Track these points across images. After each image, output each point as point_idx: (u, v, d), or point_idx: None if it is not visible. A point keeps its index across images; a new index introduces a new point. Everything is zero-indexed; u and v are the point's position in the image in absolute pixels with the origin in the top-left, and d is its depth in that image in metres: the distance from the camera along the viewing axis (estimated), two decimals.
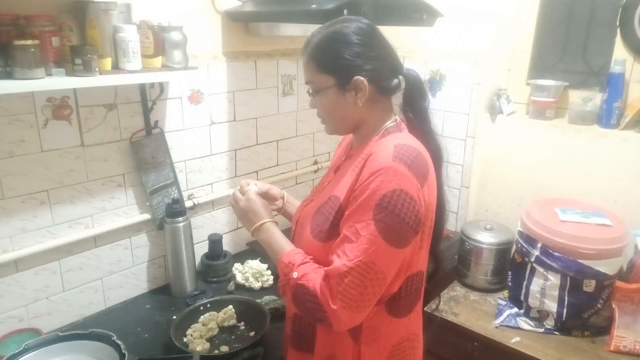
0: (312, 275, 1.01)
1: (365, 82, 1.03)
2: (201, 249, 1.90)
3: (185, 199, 1.81)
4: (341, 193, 1.06)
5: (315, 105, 1.12)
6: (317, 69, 1.06)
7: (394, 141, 1.02)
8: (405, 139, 1.04)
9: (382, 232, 0.95)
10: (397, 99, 1.12)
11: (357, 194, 0.99)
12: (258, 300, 1.62)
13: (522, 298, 1.75)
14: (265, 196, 1.29)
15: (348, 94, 1.05)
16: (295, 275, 1.02)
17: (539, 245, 1.67)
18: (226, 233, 1.99)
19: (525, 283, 1.73)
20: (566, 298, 1.63)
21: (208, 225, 1.95)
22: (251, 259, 1.90)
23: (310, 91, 1.11)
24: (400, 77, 1.09)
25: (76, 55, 1.25)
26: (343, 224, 1.01)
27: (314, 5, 1.50)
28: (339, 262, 0.97)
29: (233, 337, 1.52)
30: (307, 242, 1.09)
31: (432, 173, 1.04)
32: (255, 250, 2.01)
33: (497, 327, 1.71)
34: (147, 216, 1.71)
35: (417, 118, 1.11)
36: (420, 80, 1.12)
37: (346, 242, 0.98)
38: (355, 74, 1.03)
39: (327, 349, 1.12)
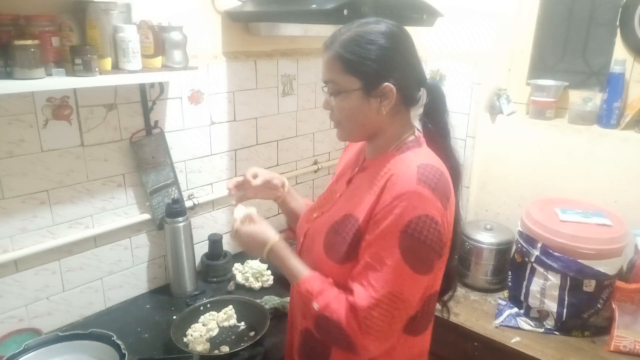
0: (335, 306, 0.97)
1: (394, 89, 0.98)
2: (201, 249, 1.90)
3: (185, 199, 1.81)
4: (359, 213, 1.01)
5: (331, 106, 1.05)
6: (343, 69, 0.99)
7: (415, 160, 0.98)
8: (426, 157, 1.01)
9: (408, 260, 0.92)
10: (415, 110, 1.09)
11: (379, 218, 0.95)
12: (258, 300, 1.62)
13: (522, 298, 1.75)
14: (267, 185, 1.28)
15: (373, 100, 1.00)
16: (316, 306, 0.98)
17: (539, 245, 1.67)
18: (226, 233, 1.99)
19: (525, 283, 1.73)
20: (566, 298, 1.63)
21: (208, 225, 1.95)
22: (251, 259, 1.90)
23: (330, 91, 1.03)
24: (423, 88, 1.05)
25: (76, 55, 1.25)
26: (365, 250, 0.97)
27: (314, 5, 1.50)
28: (365, 293, 0.93)
29: (233, 337, 1.52)
30: (319, 260, 1.05)
31: (453, 192, 1.01)
32: None
33: (497, 327, 1.71)
34: (147, 216, 1.71)
35: (438, 132, 1.07)
36: (444, 93, 1.09)
37: (370, 271, 0.94)
38: (385, 80, 0.98)
39: None
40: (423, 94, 1.05)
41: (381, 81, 0.98)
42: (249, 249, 1.14)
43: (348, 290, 0.98)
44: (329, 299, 0.98)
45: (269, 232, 1.12)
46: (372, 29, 0.99)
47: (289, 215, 1.37)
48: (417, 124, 1.09)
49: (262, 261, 1.89)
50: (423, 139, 1.07)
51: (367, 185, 1.04)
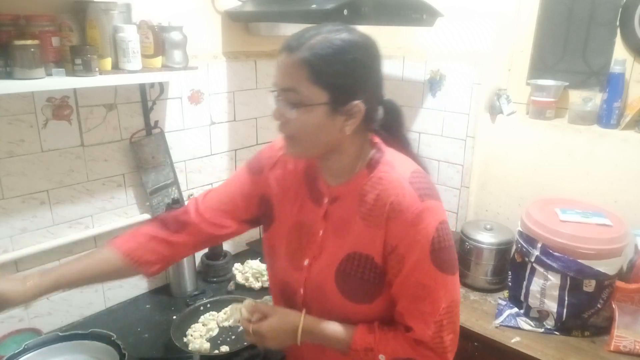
0: (400, 347, 0.95)
1: (363, 109, 0.90)
2: None
3: (185, 199, 1.81)
4: (369, 250, 0.96)
5: (284, 118, 0.92)
6: (309, 78, 0.87)
7: (400, 176, 0.94)
8: (402, 165, 0.97)
9: (447, 269, 0.93)
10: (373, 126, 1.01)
11: (402, 251, 0.92)
12: (258, 300, 1.62)
13: (522, 298, 1.75)
14: None
15: (339, 117, 0.90)
16: (382, 358, 0.95)
17: (539, 245, 1.66)
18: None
19: (525, 283, 1.73)
20: (566, 298, 1.63)
21: None
22: (251, 259, 1.90)
23: (289, 101, 0.90)
24: (380, 106, 1.00)
25: (76, 55, 1.25)
26: (403, 286, 0.94)
27: (314, 5, 1.50)
28: (424, 323, 0.93)
29: (233, 337, 1.52)
30: (343, 307, 0.99)
31: None
32: (256, 250, 2.01)
33: (497, 327, 1.71)
34: (147, 216, 1.71)
35: (399, 144, 1.03)
36: (400, 110, 1.03)
37: (419, 301, 0.93)
38: (355, 97, 0.89)
39: None
40: (381, 111, 1.00)
41: (351, 98, 0.89)
42: (278, 342, 1.03)
43: (401, 326, 0.97)
44: (392, 344, 0.96)
45: (290, 315, 1.02)
46: (345, 38, 0.89)
47: (71, 285, 1.10)
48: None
49: (262, 261, 1.89)
50: (380, 142, 1.01)
51: (356, 217, 0.97)
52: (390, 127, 1.02)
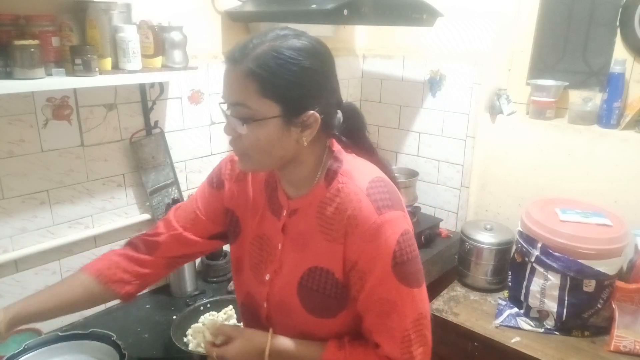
0: None
1: (319, 119, 0.86)
2: None
3: (185, 199, 1.80)
4: (328, 265, 0.93)
5: (236, 133, 0.87)
6: (257, 91, 0.82)
7: (357, 186, 0.90)
8: (360, 173, 0.92)
9: (411, 282, 0.90)
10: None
11: (362, 267, 0.89)
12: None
13: (522, 298, 1.75)
14: None
15: (293, 129, 0.86)
16: None
17: (539, 245, 1.67)
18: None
19: (525, 283, 1.73)
20: (566, 298, 1.63)
21: None
22: None
23: (239, 116, 0.85)
24: (339, 110, 0.96)
25: (76, 55, 1.25)
26: (366, 301, 0.91)
27: (314, 5, 1.51)
28: (391, 339, 0.90)
29: None
30: (308, 322, 0.97)
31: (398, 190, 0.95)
32: None
33: (497, 327, 1.71)
34: (147, 216, 1.71)
35: (363, 150, 0.99)
36: (360, 113, 1.00)
37: (385, 317, 0.90)
38: (309, 107, 0.85)
39: None
40: (340, 115, 0.96)
41: (304, 109, 0.85)
42: None
43: (367, 342, 0.95)
44: (361, 358, 0.93)
45: (256, 336, 0.98)
46: (293, 45, 0.84)
47: (47, 316, 1.08)
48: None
49: None
50: (339, 149, 0.96)
51: (318, 232, 0.93)
52: (351, 131, 0.98)
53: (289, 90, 0.83)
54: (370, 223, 0.86)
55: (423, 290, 0.93)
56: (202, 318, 1.55)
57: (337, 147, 0.96)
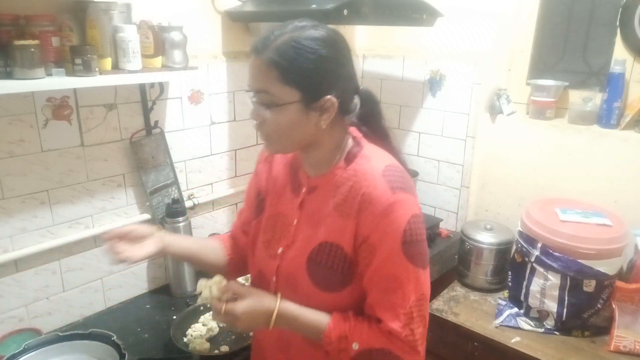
0: (371, 336, 0.94)
1: (336, 103, 0.92)
2: None
3: (185, 199, 1.81)
4: (339, 240, 0.96)
5: (260, 118, 0.95)
6: (279, 78, 0.89)
7: (374, 167, 0.95)
8: (379, 158, 0.98)
9: (418, 263, 0.94)
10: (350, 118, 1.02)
11: (372, 242, 0.93)
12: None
13: (522, 298, 1.75)
14: (137, 238, 1.10)
15: (312, 113, 0.92)
16: (356, 346, 0.94)
17: (539, 245, 1.66)
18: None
19: (525, 283, 1.73)
20: (566, 298, 1.63)
21: (208, 225, 1.95)
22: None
23: (262, 102, 0.93)
24: (357, 96, 1.00)
25: (76, 55, 1.25)
26: (373, 277, 0.94)
27: (314, 5, 1.51)
28: (394, 314, 0.93)
29: (233, 337, 1.52)
30: (313, 295, 0.99)
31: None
32: None
33: (497, 327, 1.71)
34: (147, 216, 1.71)
35: (378, 136, 1.04)
36: (377, 100, 1.05)
37: (390, 293, 0.93)
38: (326, 92, 0.91)
39: None
40: (357, 101, 1.00)
41: (322, 94, 0.91)
42: (250, 325, 0.99)
43: (372, 319, 0.97)
44: (366, 334, 0.95)
45: (265, 298, 0.99)
46: (311, 35, 0.90)
47: (183, 257, 1.29)
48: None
49: None
50: (360, 135, 1.03)
51: (332, 208, 0.98)
52: (368, 117, 1.03)
53: (307, 77, 0.90)
54: (383, 200, 0.91)
55: (427, 274, 0.97)
56: (202, 318, 1.56)
57: (358, 134, 1.03)
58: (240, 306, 0.95)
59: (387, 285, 0.93)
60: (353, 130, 1.03)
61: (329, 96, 0.91)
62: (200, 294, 1.02)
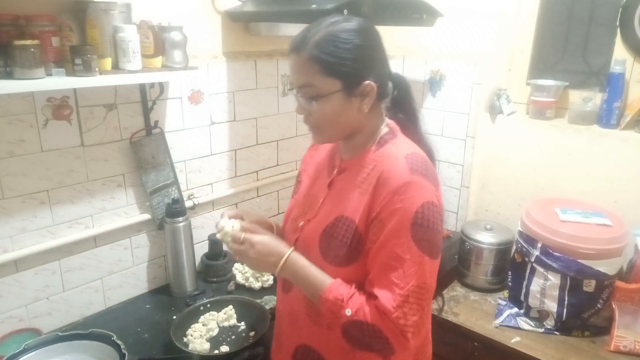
0: (366, 309, 0.94)
1: (375, 87, 0.98)
2: (201, 249, 1.90)
3: (185, 199, 1.81)
4: (353, 214, 1.00)
5: (306, 111, 1.01)
6: (321, 71, 0.96)
7: (400, 152, 0.99)
8: (408, 147, 1.02)
9: (425, 249, 0.94)
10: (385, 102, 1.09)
11: (383, 217, 0.95)
12: (258, 300, 1.62)
13: (522, 298, 1.75)
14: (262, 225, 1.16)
15: (354, 99, 0.99)
16: (348, 312, 0.94)
17: (539, 245, 1.66)
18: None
19: (525, 283, 1.73)
20: (566, 298, 1.63)
21: (208, 225, 1.95)
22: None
23: (308, 95, 0.99)
24: (390, 81, 1.06)
25: (76, 55, 1.25)
26: (378, 252, 0.95)
27: (314, 5, 1.51)
28: (390, 294, 0.93)
29: (233, 337, 1.52)
30: (319, 267, 1.02)
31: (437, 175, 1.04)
32: None
33: (497, 327, 1.71)
34: (147, 216, 1.71)
35: (409, 119, 1.10)
36: (409, 83, 1.10)
37: (390, 271, 0.93)
38: (365, 78, 0.97)
39: None
40: (391, 85, 1.06)
41: (361, 80, 0.97)
42: (258, 263, 1.04)
43: (369, 295, 0.97)
44: (362, 306, 0.95)
45: (282, 242, 1.04)
46: (345, 28, 0.97)
47: None
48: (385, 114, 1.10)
49: None
50: (397, 128, 1.08)
51: (353, 186, 1.03)
52: (401, 100, 1.09)
53: (346, 66, 0.96)
54: (400, 178, 0.95)
55: (434, 265, 0.97)
56: (202, 318, 1.56)
57: (395, 126, 1.08)
58: (258, 237, 1.03)
59: (389, 262, 0.94)
60: (391, 123, 1.08)
61: (367, 81, 0.97)
62: (220, 230, 1.05)
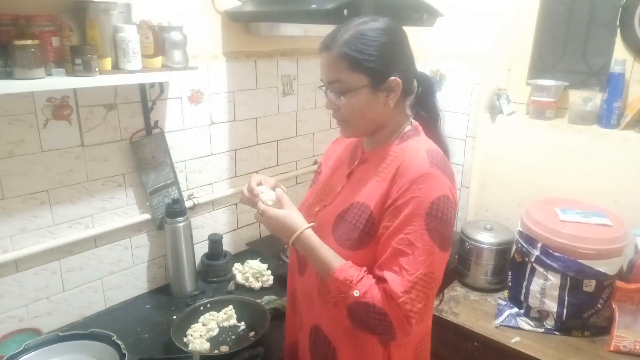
0: (374, 292, 0.97)
1: (400, 82, 1.02)
2: (201, 249, 1.90)
3: (185, 199, 1.81)
4: (369, 201, 1.04)
5: (336, 105, 1.06)
6: (349, 67, 1.01)
7: (421, 146, 1.03)
8: (429, 144, 1.06)
9: (437, 240, 0.96)
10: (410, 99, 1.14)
11: (400, 204, 0.97)
12: (258, 300, 1.62)
13: (522, 298, 1.75)
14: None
15: (380, 94, 1.03)
16: (357, 293, 0.97)
17: (539, 245, 1.67)
18: (226, 233, 1.99)
19: (525, 283, 1.73)
20: (566, 298, 1.63)
21: (208, 225, 1.95)
22: (251, 259, 1.90)
23: (337, 91, 1.04)
24: (414, 80, 1.10)
25: (76, 55, 1.25)
26: (390, 237, 0.98)
27: (314, 5, 1.50)
28: (399, 278, 0.95)
29: (233, 337, 1.52)
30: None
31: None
32: (256, 250, 2.01)
33: (497, 327, 1.71)
34: (147, 216, 1.71)
35: (430, 117, 1.14)
36: (432, 82, 1.16)
37: (401, 256, 0.96)
38: (391, 74, 1.02)
39: (354, 358, 1.10)
40: (416, 84, 1.11)
41: (387, 75, 1.02)
42: (276, 231, 1.11)
43: (378, 279, 0.99)
44: (370, 288, 0.97)
45: (301, 218, 1.09)
46: (372, 27, 1.02)
47: None
48: (409, 111, 1.15)
49: (262, 261, 1.89)
50: (420, 127, 1.11)
51: (372, 175, 1.07)
52: (425, 98, 1.13)
53: (373, 63, 1.00)
54: (421, 169, 0.98)
55: (444, 258, 1.00)
56: (202, 318, 1.56)
57: (417, 124, 1.12)
58: (273, 212, 1.09)
59: (400, 248, 0.96)
60: (414, 122, 1.12)
61: (393, 77, 1.02)
62: (256, 196, 1.13)
